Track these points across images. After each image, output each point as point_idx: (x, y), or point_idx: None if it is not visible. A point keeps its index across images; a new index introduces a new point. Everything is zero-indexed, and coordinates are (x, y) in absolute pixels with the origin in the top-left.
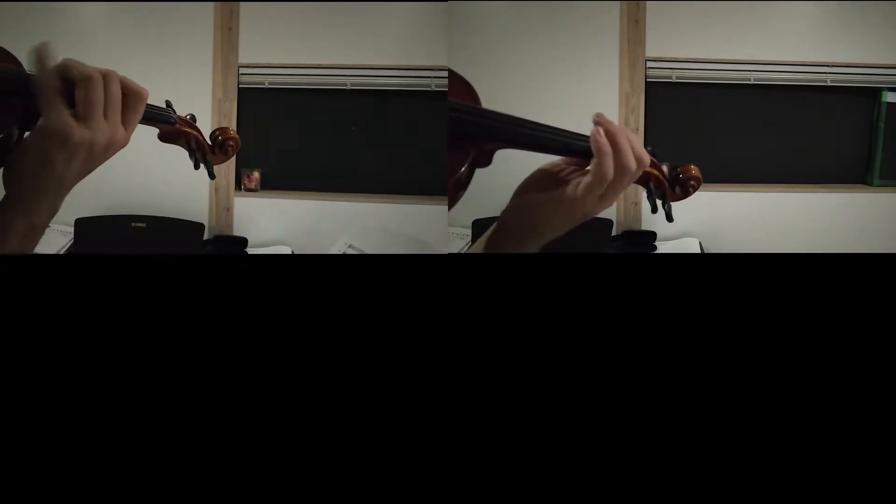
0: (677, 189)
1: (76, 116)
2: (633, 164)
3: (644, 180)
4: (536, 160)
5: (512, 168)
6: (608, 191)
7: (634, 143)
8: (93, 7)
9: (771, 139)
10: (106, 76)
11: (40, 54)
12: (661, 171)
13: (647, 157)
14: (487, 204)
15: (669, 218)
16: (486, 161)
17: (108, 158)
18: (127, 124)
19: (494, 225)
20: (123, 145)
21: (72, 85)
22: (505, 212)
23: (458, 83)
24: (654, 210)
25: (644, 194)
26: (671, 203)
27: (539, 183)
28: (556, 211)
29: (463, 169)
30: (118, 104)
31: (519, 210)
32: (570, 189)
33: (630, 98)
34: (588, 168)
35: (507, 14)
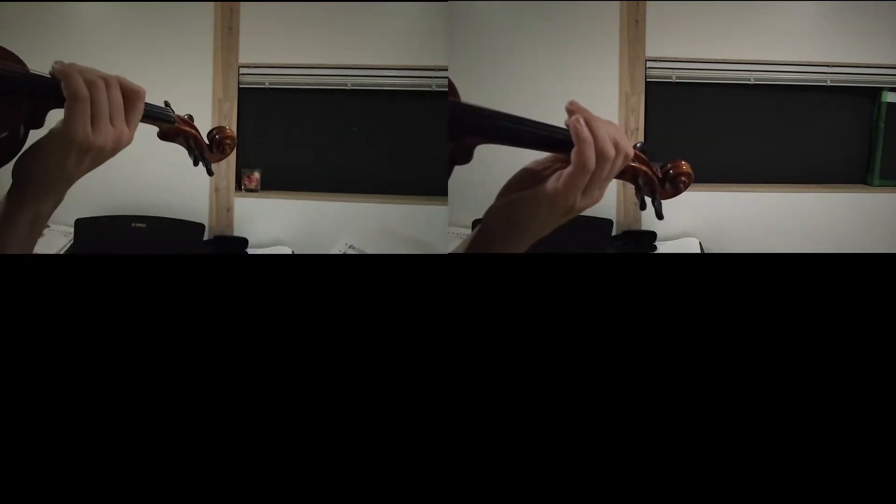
0: (667, 185)
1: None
2: (611, 151)
3: (632, 176)
4: (536, 156)
5: (512, 167)
6: (591, 182)
7: (611, 130)
8: (93, 7)
9: (771, 139)
10: (107, 82)
11: (71, 68)
12: (650, 167)
13: (627, 145)
14: (488, 204)
15: (659, 215)
16: (464, 157)
17: (113, 156)
18: (130, 124)
19: (479, 225)
20: (128, 144)
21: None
22: (488, 212)
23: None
24: (643, 207)
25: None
26: (661, 200)
27: (522, 181)
28: (538, 206)
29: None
30: (121, 108)
31: (502, 208)
32: (551, 182)
33: (630, 98)
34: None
35: (507, 14)
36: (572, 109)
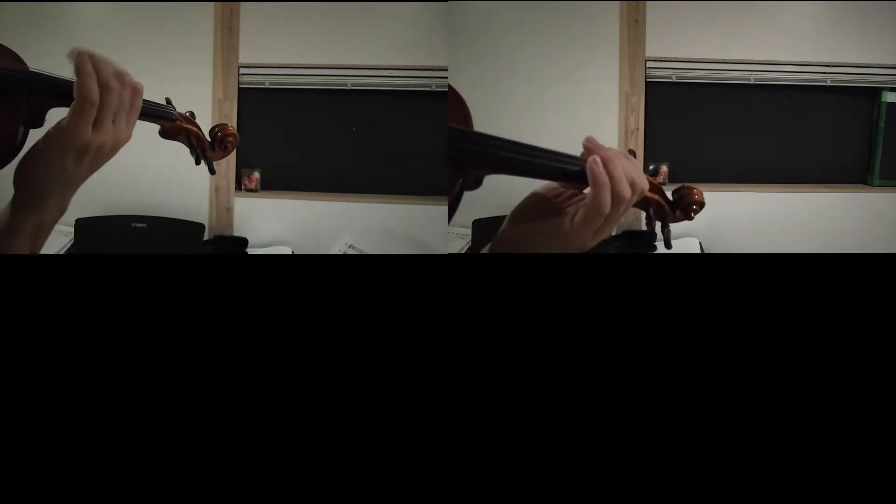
0: (678, 212)
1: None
2: (627, 192)
3: (644, 205)
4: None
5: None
6: (605, 223)
7: (628, 168)
8: (93, 7)
9: (771, 139)
10: (121, 81)
11: (87, 66)
12: (662, 194)
13: (644, 181)
14: (487, 204)
15: (668, 244)
16: (474, 184)
17: (113, 157)
18: (128, 122)
19: (488, 247)
20: (126, 142)
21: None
22: (498, 238)
23: (452, 101)
24: (653, 236)
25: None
26: (671, 227)
27: (534, 210)
28: (550, 244)
29: (454, 191)
30: (128, 109)
31: (513, 239)
32: (566, 222)
33: (630, 98)
34: (584, 191)
35: (507, 14)
36: (590, 147)
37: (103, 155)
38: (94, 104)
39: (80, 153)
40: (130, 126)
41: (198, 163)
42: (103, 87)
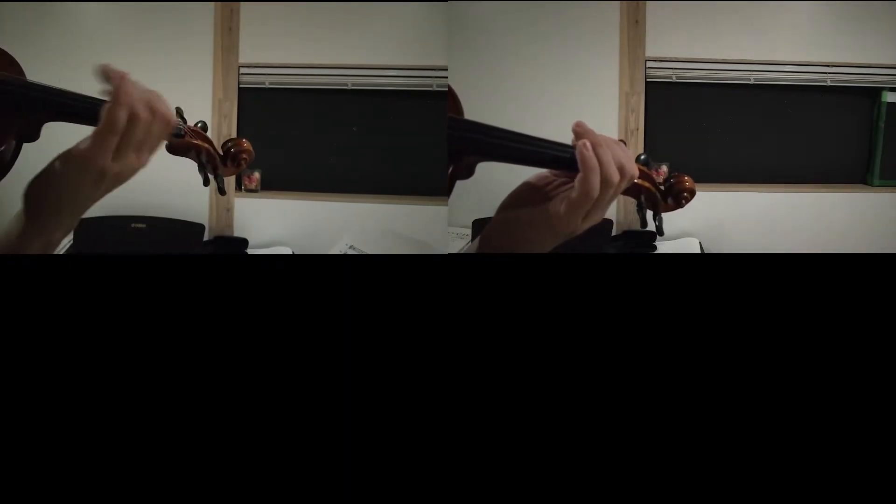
0: (669, 200)
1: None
2: (616, 176)
3: (635, 192)
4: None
5: (512, 167)
6: (594, 207)
7: (617, 153)
8: (93, 7)
9: (771, 139)
10: (153, 112)
11: (123, 92)
12: (653, 182)
13: (633, 168)
14: (487, 204)
15: (660, 231)
16: (466, 173)
17: (129, 180)
18: (151, 150)
19: (477, 239)
20: (143, 167)
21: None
22: (488, 228)
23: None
24: (644, 224)
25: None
26: (663, 215)
27: (524, 198)
28: (539, 230)
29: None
30: (151, 141)
31: (502, 227)
32: (553, 207)
33: (630, 98)
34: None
35: (507, 14)
36: (579, 132)
37: (120, 180)
38: (119, 133)
39: (98, 179)
40: (153, 154)
41: (206, 183)
42: (132, 118)
